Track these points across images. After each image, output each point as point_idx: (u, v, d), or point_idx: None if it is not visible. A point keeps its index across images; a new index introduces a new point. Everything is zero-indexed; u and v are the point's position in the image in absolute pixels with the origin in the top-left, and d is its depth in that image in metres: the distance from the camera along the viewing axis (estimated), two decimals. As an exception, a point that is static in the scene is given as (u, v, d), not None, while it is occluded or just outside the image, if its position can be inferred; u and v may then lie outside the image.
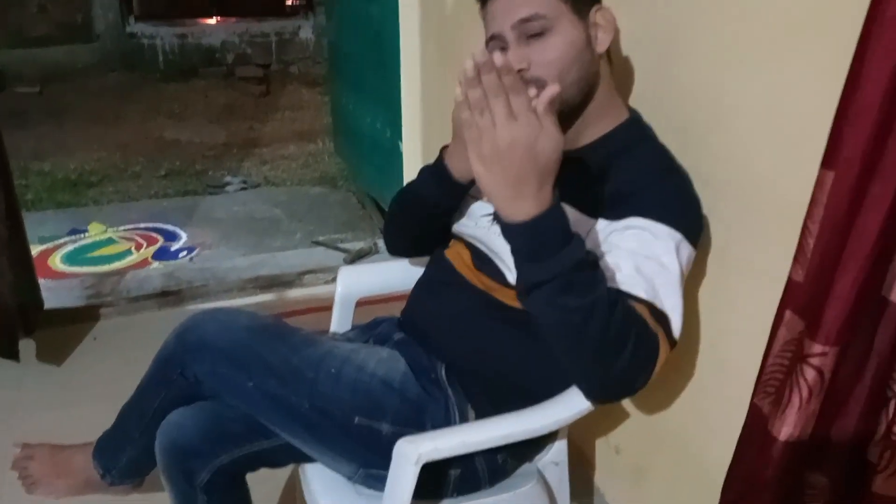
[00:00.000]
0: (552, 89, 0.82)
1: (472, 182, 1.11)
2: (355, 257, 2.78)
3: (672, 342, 0.94)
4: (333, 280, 2.63)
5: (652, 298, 0.92)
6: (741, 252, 1.07)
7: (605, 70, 1.09)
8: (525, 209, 0.82)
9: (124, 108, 5.48)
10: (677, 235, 0.97)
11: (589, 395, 0.97)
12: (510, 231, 0.84)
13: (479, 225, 1.16)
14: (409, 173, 2.83)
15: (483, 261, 1.14)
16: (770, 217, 1.01)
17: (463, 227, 1.20)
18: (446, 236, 1.27)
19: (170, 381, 1.10)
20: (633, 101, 1.25)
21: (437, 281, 1.22)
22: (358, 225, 3.40)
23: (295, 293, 2.59)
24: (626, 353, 0.86)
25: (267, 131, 5.15)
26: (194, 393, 1.10)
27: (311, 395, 1.04)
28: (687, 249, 0.98)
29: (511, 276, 1.08)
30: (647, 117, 1.16)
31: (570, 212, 1.02)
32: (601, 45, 1.06)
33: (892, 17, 0.69)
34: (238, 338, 1.07)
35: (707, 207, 1.08)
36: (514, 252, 0.86)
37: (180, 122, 5.27)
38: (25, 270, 2.08)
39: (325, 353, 1.08)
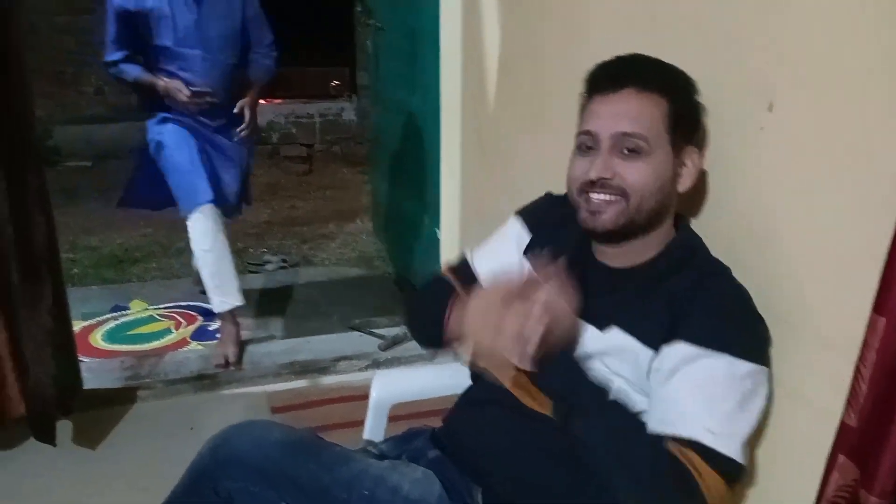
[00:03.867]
0: None
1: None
2: (390, 344, 2.78)
3: (726, 473, 0.91)
4: (367, 367, 2.66)
5: (693, 435, 0.91)
6: (788, 378, 1.04)
7: (675, 200, 1.10)
8: None
9: (172, 185, 5.65)
10: (730, 359, 0.94)
11: None
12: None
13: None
14: (447, 260, 2.85)
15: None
16: (818, 345, 0.98)
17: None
18: None
19: (202, 495, 1.09)
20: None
21: (484, 399, 1.17)
22: (394, 309, 3.39)
23: (329, 380, 2.58)
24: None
25: (308, 209, 5.25)
26: (225, 506, 1.09)
27: (343, 516, 1.02)
28: (744, 368, 0.95)
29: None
30: (700, 227, 1.16)
31: (624, 338, 1.01)
32: (682, 184, 1.08)
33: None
34: (271, 454, 1.06)
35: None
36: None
37: (225, 200, 5.41)
38: (68, 355, 2.12)
39: (358, 473, 1.06)
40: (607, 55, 1.11)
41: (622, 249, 1.09)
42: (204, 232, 2.63)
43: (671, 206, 1.08)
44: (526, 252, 1.21)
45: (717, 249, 1.12)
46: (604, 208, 1.04)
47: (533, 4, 1.84)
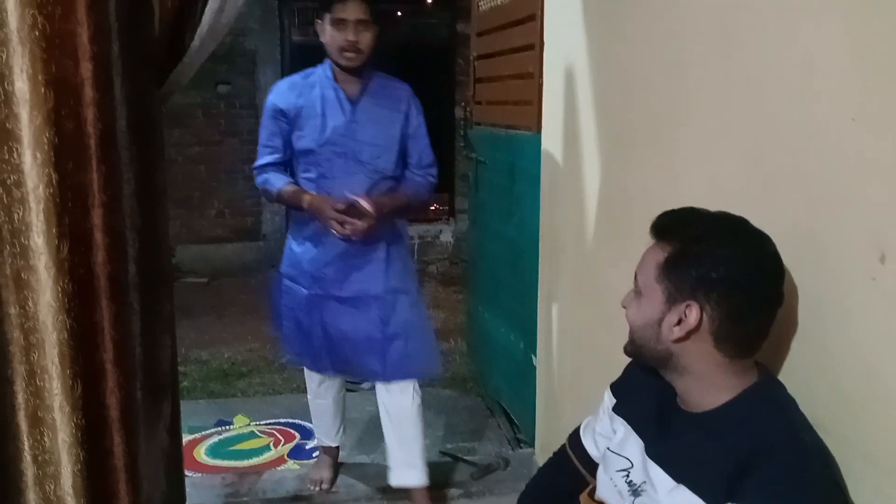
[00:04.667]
0: None
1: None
2: (483, 473, 2.75)
3: None
4: (460, 497, 2.63)
5: None
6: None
7: (699, 350, 1.07)
8: None
9: (278, 301, 5.93)
10: None
11: None
12: None
13: (621, 493, 1.14)
14: (542, 388, 2.83)
15: None
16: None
17: (604, 490, 1.18)
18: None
19: None
20: (779, 362, 1.23)
21: None
22: (486, 434, 3.37)
23: (422, 508, 2.56)
24: None
25: (404, 328, 5.36)
26: None
27: None
28: None
29: None
30: (797, 379, 1.14)
31: (688, 497, 1.00)
32: (673, 333, 1.07)
33: None
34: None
35: (856, 479, 1.02)
36: None
37: (326, 317, 5.61)
38: (177, 471, 2.21)
39: None
40: (696, 201, 1.17)
41: (686, 393, 1.13)
42: (308, 382, 2.76)
43: (668, 351, 1.09)
44: (614, 410, 1.30)
45: (817, 399, 1.10)
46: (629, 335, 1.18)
47: (626, 147, 1.92)
